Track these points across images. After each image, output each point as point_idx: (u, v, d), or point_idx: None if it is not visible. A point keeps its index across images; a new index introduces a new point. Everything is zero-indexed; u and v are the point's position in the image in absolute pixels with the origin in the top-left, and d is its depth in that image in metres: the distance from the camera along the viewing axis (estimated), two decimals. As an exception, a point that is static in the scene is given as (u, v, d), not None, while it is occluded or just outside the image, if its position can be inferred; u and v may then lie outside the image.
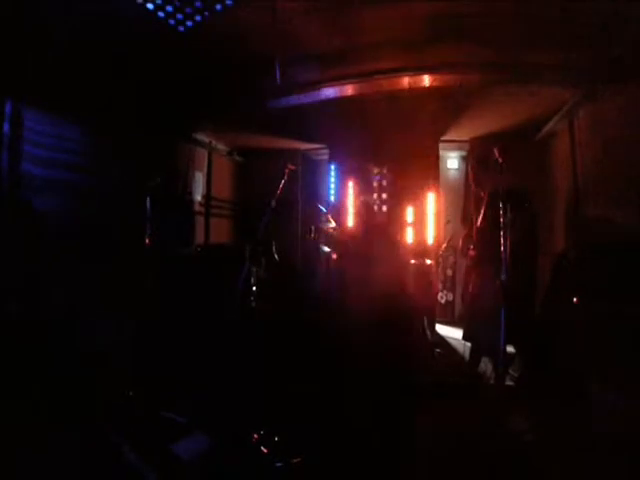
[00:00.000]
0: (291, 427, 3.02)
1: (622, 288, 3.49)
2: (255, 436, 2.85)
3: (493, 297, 3.73)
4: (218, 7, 3.62)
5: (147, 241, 4.09)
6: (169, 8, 3.57)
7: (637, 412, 2.81)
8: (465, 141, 7.24)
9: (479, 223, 4.57)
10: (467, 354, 4.73)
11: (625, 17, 3.47)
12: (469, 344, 4.72)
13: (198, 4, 3.57)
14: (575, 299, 3.98)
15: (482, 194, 4.49)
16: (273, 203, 3.79)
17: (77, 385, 3.24)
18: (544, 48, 4.18)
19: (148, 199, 4.29)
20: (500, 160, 3.70)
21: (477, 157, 4.65)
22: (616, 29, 3.67)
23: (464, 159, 7.67)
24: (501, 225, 3.47)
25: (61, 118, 4.26)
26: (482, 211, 4.56)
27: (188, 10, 3.64)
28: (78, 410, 3.00)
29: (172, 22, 3.74)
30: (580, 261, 4.31)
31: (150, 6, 3.51)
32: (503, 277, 3.35)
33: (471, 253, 4.79)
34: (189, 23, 3.79)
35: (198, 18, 3.76)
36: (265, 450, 2.77)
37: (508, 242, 3.44)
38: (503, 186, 3.64)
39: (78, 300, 3.89)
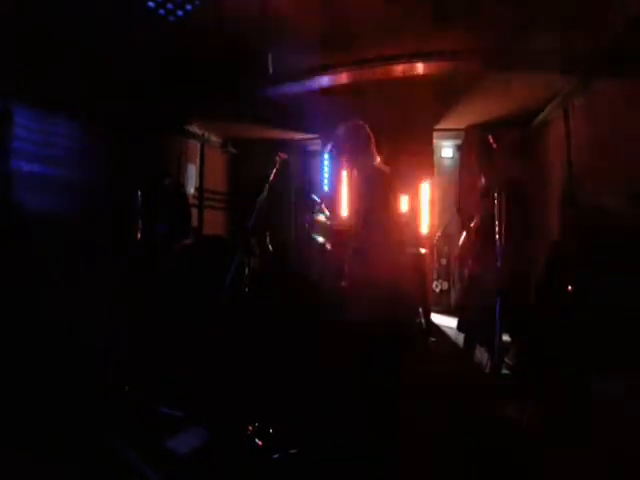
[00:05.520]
0: (286, 418, 3.02)
1: (615, 275, 3.49)
2: (250, 428, 2.85)
3: (488, 285, 3.74)
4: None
5: (139, 235, 4.07)
6: (159, -3, 3.53)
7: (637, 402, 2.82)
8: (460, 129, 7.22)
9: (476, 211, 4.54)
10: (462, 343, 4.72)
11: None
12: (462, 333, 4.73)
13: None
14: (570, 287, 3.99)
15: (481, 182, 4.46)
16: (265, 193, 3.76)
17: (73, 381, 3.23)
18: (540, 35, 4.14)
19: (140, 193, 4.26)
20: (494, 147, 3.69)
21: (477, 145, 4.63)
22: (612, 16, 3.66)
23: (459, 148, 7.65)
24: (496, 213, 3.46)
25: (52, 113, 4.20)
26: (479, 199, 4.53)
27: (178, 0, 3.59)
28: (75, 406, 2.99)
29: (162, 12, 3.69)
30: (574, 248, 4.32)
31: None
32: (498, 264, 3.34)
33: (465, 244, 4.77)
34: (180, 12, 3.74)
35: (189, 7, 3.71)
36: (260, 442, 2.77)
37: (503, 229, 3.43)
38: (498, 173, 3.63)
39: (72, 296, 3.86)
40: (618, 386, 3.06)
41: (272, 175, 3.75)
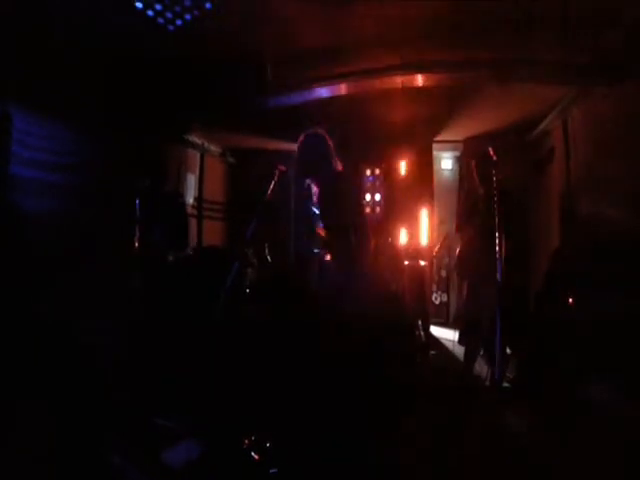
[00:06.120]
0: (283, 433, 2.97)
1: (615, 287, 3.46)
2: (246, 442, 2.80)
3: (489, 298, 3.72)
4: (208, 5, 3.58)
5: (137, 244, 4.03)
6: (158, 6, 3.51)
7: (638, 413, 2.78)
8: (459, 141, 7.23)
9: (474, 223, 4.52)
10: (462, 356, 4.69)
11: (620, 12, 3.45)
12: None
13: (187, 2, 3.52)
14: (570, 300, 3.95)
15: (480, 193, 4.44)
16: (263, 204, 3.73)
17: (67, 391, 3.19)
18: (540, 45, 4.15)
19: (138, 201, 4.22)
20: (495, 159, 3.67)
21: (476, 156, 4.63)
22: (611, 25, 3.66)
23: (458, 160, 7.65)
24: (496, 224, 3.44)
25: (51, 119, 4.18)
26: (478, 210, 4.51)
27: (177, 8, 3.59)
28: (68, 417, 2.94)
29: (161, 21, 3.69)
30: (574, 259, 4.29)
31: (139, 4, 3.46)
32: (498, 277, 3.31)
33: (463, 255, 4.74)
34: (179, 22, 3.74)
35: (188, 17, 3.71)
36: (256, 457, 2.71)
37: (503, 241, 3.41)
38: (498, 185, 3.61)
39: (67, 303, 3.82)
40: (618, 395, 3.03)
41: (271, 186, 3.73)
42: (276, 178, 3.71)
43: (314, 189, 3.71)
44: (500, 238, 3.36)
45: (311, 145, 3.62)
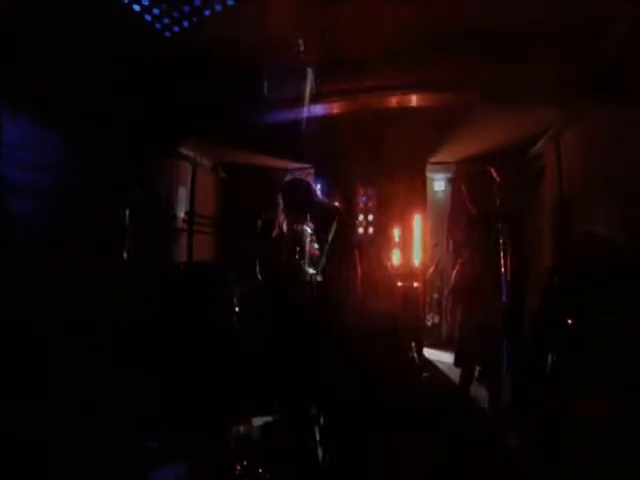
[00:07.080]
0: (276, 458, 2.85)
1: (608, 303, 3.42)
2: (238, 467, 2.65)
3: (488, 320, 3.66)
4: (207, 13, 3.51)
5: (125, 255, 3.91)
6: (156, 11, 3.43)
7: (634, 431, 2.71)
8: (452, 163, 7.23)
9: (471, 245, 4.46)
10: (456, 378, 4.60)
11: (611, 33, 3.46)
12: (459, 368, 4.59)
13: (186, 9, 3.45)
14: (570, 321, 3.89)
15: (475, 214, 4.40)
16: (259, 222, 3.66)
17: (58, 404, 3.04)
18: (531, 66, 4.14)
19: (128, 213, 4.12)
20: (497, 179, 3.65)
21: (466, 180, 4.61)
22: (602, 46, 3.66)
23: (451, 181, 7.64)
24: (500, 246, 3.40)
25: (43, 122, 4.06)
26: (472, 232, 4.47)
27: (175, 15, 3.51)
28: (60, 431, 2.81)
29: (159, 26, 3.61)
30: (568, 280, 4.24)
31: (137, 7, 3.37)
32: (504, 299, 3.24)
33: (458, 274, 4.67)
34: (176, 29, 3.66)
35: (186, 24, 3.64)
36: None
37: (507, 263, 3.36)
38: (496, 206, 3.58)
39: (53, 312, 3.67)
40: (618, 417, 2.95)
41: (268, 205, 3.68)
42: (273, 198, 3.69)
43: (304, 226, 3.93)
44: (505, 259, 3.32)
45: (296, 188, 3.83)
